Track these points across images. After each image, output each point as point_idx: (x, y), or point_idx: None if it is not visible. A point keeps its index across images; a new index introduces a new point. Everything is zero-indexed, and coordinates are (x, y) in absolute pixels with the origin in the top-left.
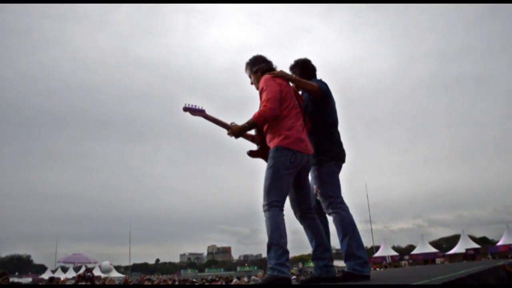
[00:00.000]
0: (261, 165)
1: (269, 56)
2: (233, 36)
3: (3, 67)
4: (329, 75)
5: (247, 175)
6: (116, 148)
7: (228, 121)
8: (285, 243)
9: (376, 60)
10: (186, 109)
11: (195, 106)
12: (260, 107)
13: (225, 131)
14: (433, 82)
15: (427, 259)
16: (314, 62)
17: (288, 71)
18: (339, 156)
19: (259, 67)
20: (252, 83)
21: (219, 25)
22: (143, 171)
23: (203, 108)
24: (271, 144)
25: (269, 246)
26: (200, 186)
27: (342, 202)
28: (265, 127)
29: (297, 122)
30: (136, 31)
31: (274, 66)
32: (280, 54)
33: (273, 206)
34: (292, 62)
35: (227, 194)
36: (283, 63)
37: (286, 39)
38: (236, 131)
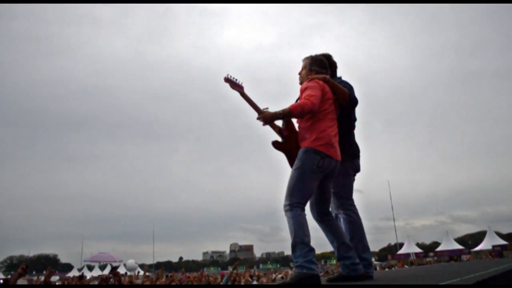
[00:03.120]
0: (280, 163)
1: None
2: (247, 37)
3: (25, 72)
4: (344, 73)
5: (265, 174)
6: (135, 149)
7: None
8: (309, 241)
9: (392, 56)
10: (227, 79)
11: (236, 79)
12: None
13: (249, 121)
14: (451, 78)
15: (452, 256)
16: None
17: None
18: (355, 154)
19: (318, 69)
20: (300, 73)
21: (232, 26)
22: (163, 172)
23: (243, 84)
24: (302, 144)
25: (294, 245)
26: (219, 185)
27: (352, 204)
28: (298, 123)
29: (330, 127)
30: (150, 34)
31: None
32: (295, 53)
33: (295, 206)
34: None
35: (246, 192)
36: (297, 62)
37: (300, 38)
38: (268, 117)
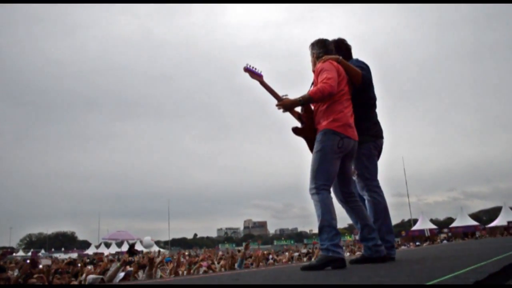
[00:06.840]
0: (293, 142)
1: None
2: (254, 12)
3: (35, 54)
4: (356, 47)
5: (278, 151)
6: (147, 127)
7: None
8: (336, 224)
9: (404, 29)
10: (246, 69)
11: (255, 69)
12: (313, 86)
13: (266, 104)
14: (465, 50)
15: (466, 232)
16: (339, 34)
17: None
18: (378, 134)
19: (325, 51)
20: (311, 62)
21: (239, 2)
22: (177, 149)
23: (262, 73)
24: (319, 126)
25: (321, 228)
26: (233, 162)
27: (377, 186)
28: (314, 106)
29: (346, 108)
30: (158, 13)
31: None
32: (304, 29)
33: (321, 189)
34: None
35: (259, 169)
36: (306, 38)
37: (309, 13)
38: (287, 104)
